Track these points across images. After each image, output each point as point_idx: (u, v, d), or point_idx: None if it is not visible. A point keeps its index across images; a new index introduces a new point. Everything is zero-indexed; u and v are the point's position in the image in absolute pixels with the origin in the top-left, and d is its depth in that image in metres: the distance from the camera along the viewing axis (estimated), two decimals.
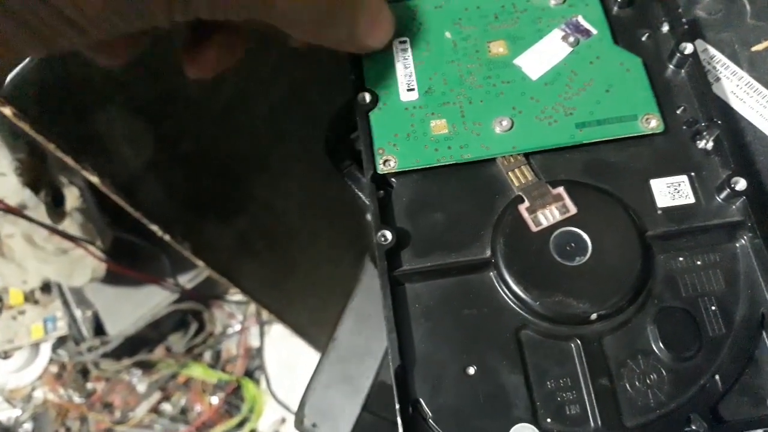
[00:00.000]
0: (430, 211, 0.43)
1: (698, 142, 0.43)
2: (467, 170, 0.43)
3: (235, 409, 1.55)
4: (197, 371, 1.57)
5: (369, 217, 0.45)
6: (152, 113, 0.84)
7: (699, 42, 0.47)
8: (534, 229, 0.41)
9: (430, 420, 0.38)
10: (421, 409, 0.39)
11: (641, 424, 0.38)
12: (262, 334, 1.54)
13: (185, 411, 1.58)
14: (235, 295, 1.59)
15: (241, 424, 1.54)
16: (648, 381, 0.38)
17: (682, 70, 0.45)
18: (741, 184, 0.40)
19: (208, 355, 1.60)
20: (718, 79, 0.46)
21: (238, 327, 1.61)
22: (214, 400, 1.56)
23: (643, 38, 0.46)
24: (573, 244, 0.40)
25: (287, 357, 1.53)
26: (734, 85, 0.45)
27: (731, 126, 0.44)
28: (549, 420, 0.38)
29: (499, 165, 0.43)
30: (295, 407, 1.34)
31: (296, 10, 0.37)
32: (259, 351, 1.57)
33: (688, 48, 0.44)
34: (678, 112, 0.44)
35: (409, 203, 0.43)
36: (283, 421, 1.53)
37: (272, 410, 1.54)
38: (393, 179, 0.43)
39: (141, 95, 0.81)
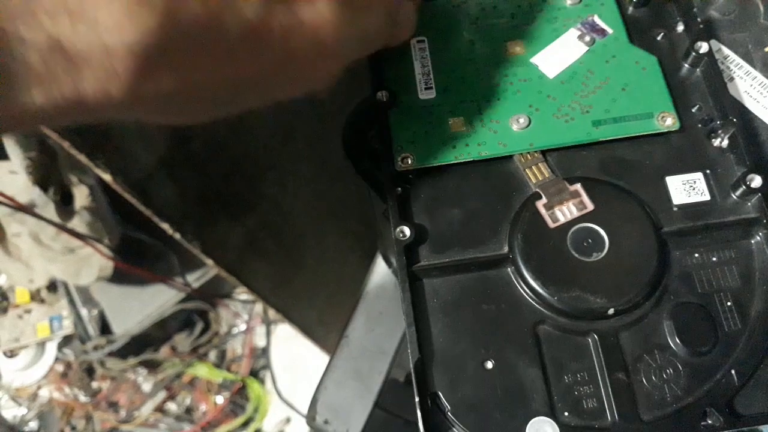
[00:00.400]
0: (447, 208, 0.43)
1: (713, 140, 0.43)
2: (485, 167, 0.44)
3: (240, 408, 1.56)
4: (202, 371, 1.57)
5: (385, 214, 0.45)
6: None
7: (713, 42, 0.47)
8: (551, 225, 0.41)
9: (448, 413, 0.39)
10: (439, 402, 0.39)
11: (658, 418, 0.38)
12: (268, 334, 1.54)
13: (190, 410, 1.58)
14: (241, 295, 1.59)
15: (246, 423, 1.54)
16: (664, 375, 0.39)
17: (697, 69, 0.45)
18: (757, 181, 0.41)
19: (213, 355, 1.61)
20: (731, 79, 0.46)
21: (243, 327, 1.61)
22: (219, 399, 1.56)
23: (659, 38, 0.46)
24: (590, 240, 0.41)
25: (292, 357, 1.54)
26: (748, 84, 0.46)
27: (745, 125, 0.45)
28: (566, 413, 0.39)
29: (517, 162, 0.44)
30: (300, 407, 1.35)
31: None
32: (265, 351, 1.57)
33: (704, 47, 0.44)
34: (693, 110, 0.44)
35: (427, 200, 0.44)
36: (288, 420, 1.53)
37: (277, 410, 1.54)
38: (411, 176, 0.44)
39: None
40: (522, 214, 0.42)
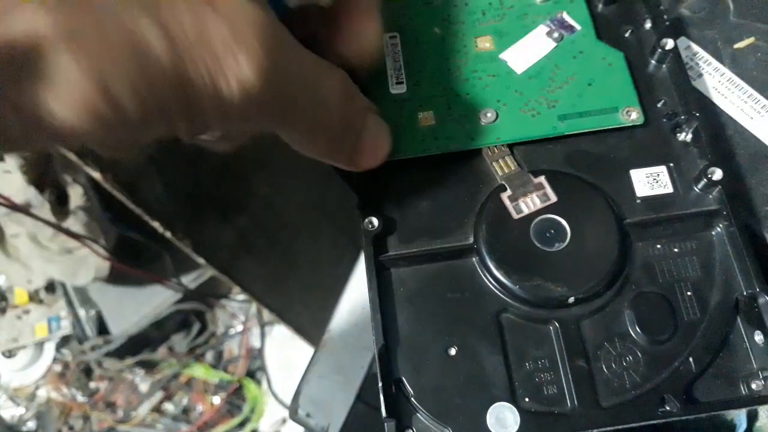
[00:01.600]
0: (416, 200, 0.44)
1: (678, 134, 0.44)
2: (453, 161, 0.45)
3: (237, 409, 1.56)
4: (199, 371, 1.58)
5: (358, 206, 0.46)
6: None
7: (682, 39, 0.48)
8: (515, 216, 0.42)
9: (412, 398, 0.40)
10: (403, 387, 0.40)
11: (617, 404, 0.39)
12: (262, 335, 1.55)
13: (187, 411, 1.59)
14: (238, 296, 1.60)
15: (242, 424, 1.55)
16: (624, 363, 0.40)
17: (664, 65, 0.46)
18: (717, 174, 0.41)
19: (210, 356, 1.62)
20: (700, 75, 0.47)
21: (240, 328, 1.62)
22: (216, 400, 1.57)
23: (626, 34, 0.47)
24: (553, 231, 0.42)
25: (288, 358, 1.54)
26: (716, 81, 0.47)
27: (712, 120, 0.46)
28: (527, 399, 0.39)
29: (484, 156, 0.44)
30: None
31: (309, 139, 0.39)
32: (260, 351, 1.58)
33: (669, 43, 0.45)
34: (658, 105, 0.45)
35: (396, 192, 0.44)
36: (284, 421, 1.54)
37: (273, 410, 1.55)
38: (381, 169, 0.45)
39: None
40: (487, 206, 0.43)
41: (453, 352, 0.40)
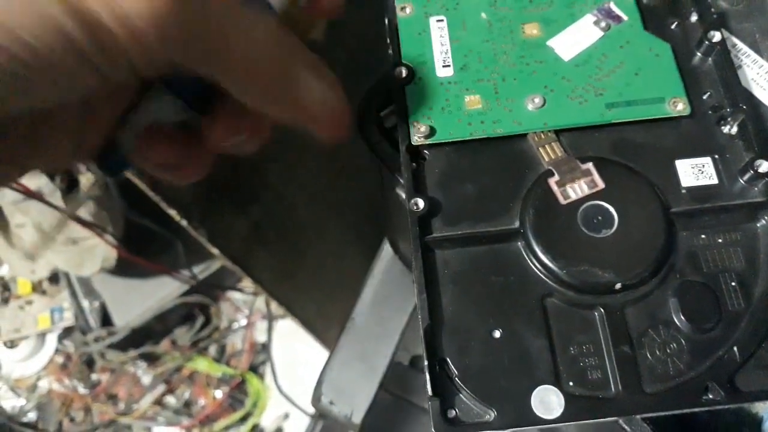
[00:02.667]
0: (461, 183, 0.44)
1: (723, 126, 0.44)
2: (499, 145, 0.45)
3: (239, 403, 1.56)
4: (202, 365, 1.58)
5: (398, 190, 0.46)
6: None
7: (721, 31, 0.48)
8: (563, 201, 0.42)
9: (456, 378, 0.40)
10: (447, 368, 0.40)
11: (660, 391, 0.39)
12: (269, 330, 1.55)
13: (189, 404, 1.58)
14: (243, 289, 1.60)
15: (244, 418, 1.54)
16: (668, 350, 0.40)
17: (709, 58, 0.46)
18: (764, 166, 0.42)
19: (213, 349, 1.61)
20: (739, 67, 0.47)
21: (244, 322, 1.62)
22: (218, 394, 1.57)
23: (672, 26, 0.48)
24: (600, 217, 0.42)
25: (292, 353, 1.54)
26: (755, 73, 0.47)
27: (753, 112, 0.46)
28: (571, 383, 0.39)
29: (530, 141, 0.45)
30: (299, 403, 1.35)
31: (246, 84, 0.35)
32: (265, 346, 1.58)
33: (716, 36, 0.45)
34: (704, 97, 0.45)
35: (442, 174, 0.44)
36: (287, 416, 1.53)
37: (276, 405, 1.55)
38: (426, 151, 0.45)
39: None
40: (534, 191, 0.43)
41: (497, 334, 0.41)
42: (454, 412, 0.39)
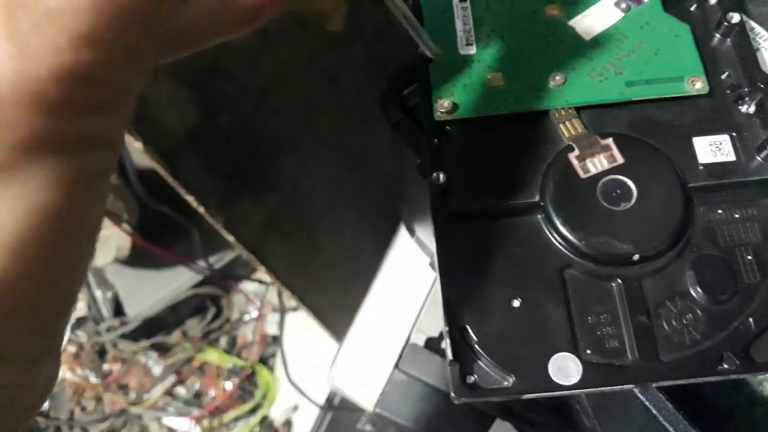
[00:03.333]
0: (482, 157, 0.45)
1: (741, 106, 0.45)
2: (520, 121, 0.46)
3: (249, 395, 1.57)
4: (213, 356, 1.58)
5: (419, 167, 0.47)
6: (196, 84, 0.86)
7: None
8: (582, 175, 0.43)
9: (475, 345, 0.41)
10: (467, 335, 0.41)
11: (676, 360, 0.40)
12: (281, 321, 1.55)
13: (199, 395, 1.59)
14: (254, 282, 1.60)
15: (253, 410, 1.55)
16: (684, 321, 0.41)
17: (728, 39, 0.47)
18: None
19: (224, 341, 1.62)
20: (757, 50, 0.48)
21: (255, 314, 1.62)
22: (228, 385, 1.58)
23: (692, 8, 0.48)
24: (619, 191, 0.43)
25: (303, 345, 1.55)
26: None
27: None
28: (589, 351, 0.40)
29: (551, 117, 0.45)
30: (309, 395, 1.36)
31: None
32: (276, 338, 1.59)
33: (735, 17, 0.46)
34: (722, 77, 0.46)
35: (463, 149, 0.45)
36: (296, 408, 1.54)
37: (285, 397, 1.55)
38: (448, 127, 0.46)
39: (186, 65, 0.83)
40: (554, 165, 0.44)
41: (516, 304, 0.41)
42: (473, 378, 0.40)
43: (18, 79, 0.23)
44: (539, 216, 0.43)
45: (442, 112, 0.45)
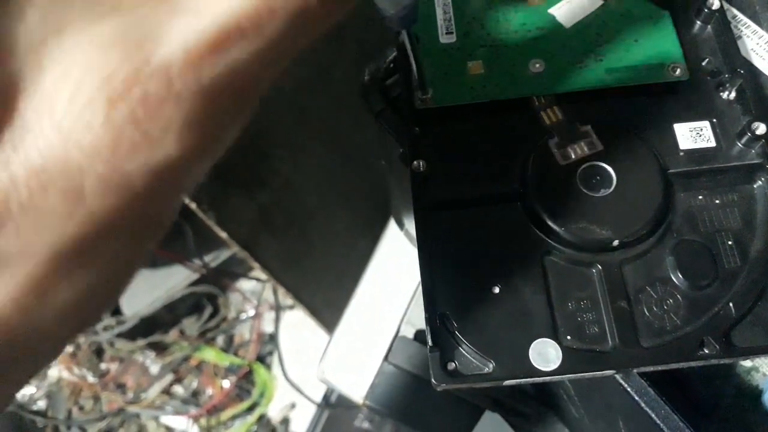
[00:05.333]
0: (464, 145, 0.45)
1: (722, 92, 0.45)
2: (501, 108, 0.46)
3: (246, 393, 1.57)
4: (210, 355, 1.58)
5: (402, 157, 0.47)
6: None
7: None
8: (562, 162, 0.43)
9: (456, 332, 0.41)
10: (448, 322, 0.41)
11: (657, 345, 0.40)
12: (277, 319, 1.55)
13: (196, 394, 1.59)
14: (251, 280, 1.61)
15: (251, 408, 1.55)
16: (665, 306, 0.41)
17: (709, 26, 0.47)
18: (761, 128, 0.42)
19: (221, 340, 1.62)
20: (739, 38, 0.48)
21: (251, 312, 1.62)
22: (226, 383, 1.58)
23: None
24: (598, 177, 0.43)
25: (299, 343, 1.55)
26: (755, 43, 0.48)
27: (752, 80, 0.46)
28: (569, 337, 0.40)
29: (532, 105, 0.45)
30: (305, 392, 1.36)
31: None
32: (272, 337, 1.59)
33: (715, 3, 0.46)
34: (703, 63, 0.46)
35: (444, 137, 0.45)
36: (293, 406, 1.54)
37: (282, 395, 1.55)
38: (429, 116, 0.46)
39: None
40: (534, 152, 0.44)
41: (497, 290, 0.41)
42: (454, 364, 0.40)
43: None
44: (520, 203, 0.43)
45: (422, 101, 0.45)
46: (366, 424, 1.06)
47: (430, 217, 0.43)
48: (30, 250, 0.22)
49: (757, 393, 0.49)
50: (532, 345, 0.40)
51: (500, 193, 0.43)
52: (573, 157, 0.43)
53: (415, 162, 0.44)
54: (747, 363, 0.49)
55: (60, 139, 0.21)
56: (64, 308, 0.23)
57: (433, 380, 0.40)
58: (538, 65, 0.45)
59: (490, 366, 0.40)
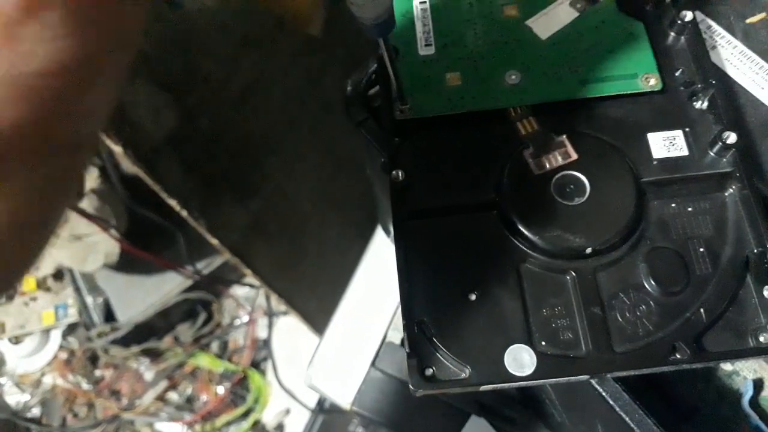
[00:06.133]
0: (441, 156, 0.46)
1: (695, 102, 0.46)
2: (478, 119, 0.46)
3: (241, 399, 1.57)
4: (204, 361, 1.59)
5: (383, 166, 0.48)
6: (175, 88, 0.87)
7: (697, 14, 0.50)
8: (537, 172, 0.44)
9: (433, 339, 0.41)
10: (425, 328, 0.42)
11: (629, 350, 0.41)
12: (270, 325, 1.56)
13: (191, 400, 1.60)
14: (245, 286, 1.61)
15: (246, 414, 1.55)
16: (637, 312, 0.41)
17: (682, 37, 0.48)
18: (732, 137, 0.43)
19: (215, 346, 1.62)
20: (714, 48, 0.49)
21: (245, 318, 1.63)
22: (220, 389, 1.58)
23: (647, 7, 0.49)
24: (572, 186, 0.44)
25: (293, 349, 1.55)
26: (729, 53, 0.49)
27: (725, 90, 0.47)
28: (543, 343, 0.41)
29: (508, 115, 0.46)
30: (300, 398, 1.36)
31: None
32: (266, 342, 1.59)
33: (688, 15, 0.47)
34: (676, 74, 0.47)
35: (422, 148, 0.46)
36: (288, 412, 1.55)
37: (277, 401, 1.56)
38: (408, 126, 0.47)
39: (165, 70, 0.84)
40: (510, 162, 0.45)
41: (473, 297, 0.42)
42: (431, 370, 0.41)
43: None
44: (496, 212, 0.44)
45: (401, 112, 0.46)
46: (360, 430, 1.06)
47: (409, 226, 0.44)
48: None
49: (737, 396, 0.50)
50: (508, 351, 0.41)
51: (477, 203, 0.44)
52: (548, 166, 0.44)
53: (393, 172, 0.44)
54: (728, 367, 0.50)
55: None
56: None
57: (410, 386, 0.41)
58: (514, 77, 0.46)
59: (467, 372, 0.41)
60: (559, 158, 0.44)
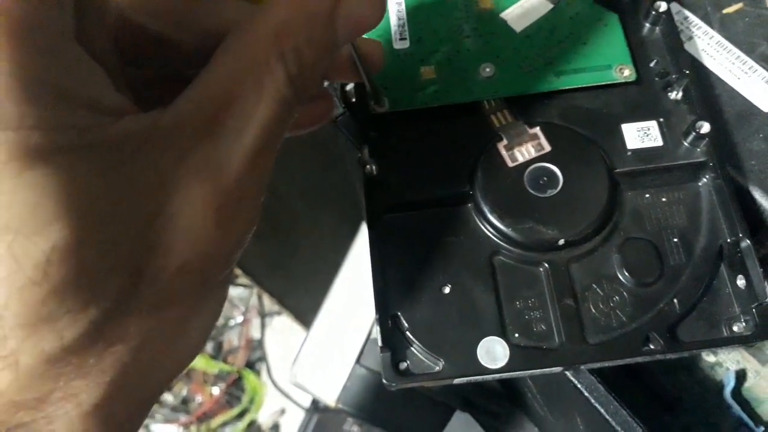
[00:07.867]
0: (416, 149, 0.46)
1: (669, 93, 0.46)
2: (452, 112, 0.46)
3: (236, 399, 1.57)
4: (199, 362, 1.59)
5: (359, 160, 0.48)
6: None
7: (674, 5, 0.50)
8: (510, 164, 0.44)
9: (407, 332, 0.41)
10: (399, 322, 0.42)
11: (603, 342, 0.41)
12: (263, 325, 1.56)
13: (186, 401, 1.59)
14: (239, 287, 1.61)
15: (241, 414, 1.55)
16: (611, 303, 0.41)
17: (657, 28, 0.48)
18: (705, 127, 0.43)
19: (209, 346, 1.62)
20: (690, 39, 0.49)
21: (240, 319, 1.63)
22: (215, 390, 1.58)
23: None
24: (545, 178, 0.44)
25: (287, 349, 1.55)
26: (705, 43, 0.49)
27: (701, 80, 0.47)
28: (516, 335, 0.41)
29: (482, 108, 0.46)
30: (295, 398, 1.36)
31: None
32: (260, 342, 1.59)
33: (662, 6, 0.47)
34: (651, 65, 0.47)
35: (397, 142, 0.46)
36: (283, 412, 1.55)
37: (272, 401, 1.56)
38: (383, 121, 0.47)
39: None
40: (483, 155, 0.45)
41: (447, 290, 0.42)
42: (405, 363, 0.41)
43: None
44: (469, 205, 0.44)
45: (376, 106, 0.46)
46: (355, 428, 1.06)
47: (383, 220, 0.44)
48: None
49: (719, 387, 0.50)
50: (481, 343, 0.41)
51: (451, 195, 0.44)
52: (521, 159, 0.44)
53: (367, 166, 0.44)
54: (711, 358, 0.50)
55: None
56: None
57: (384, 380, 0.40)
58: (488, 69, 0.46)
59: (441, 364, 0.41)
60: (533, 150, 0.44)
